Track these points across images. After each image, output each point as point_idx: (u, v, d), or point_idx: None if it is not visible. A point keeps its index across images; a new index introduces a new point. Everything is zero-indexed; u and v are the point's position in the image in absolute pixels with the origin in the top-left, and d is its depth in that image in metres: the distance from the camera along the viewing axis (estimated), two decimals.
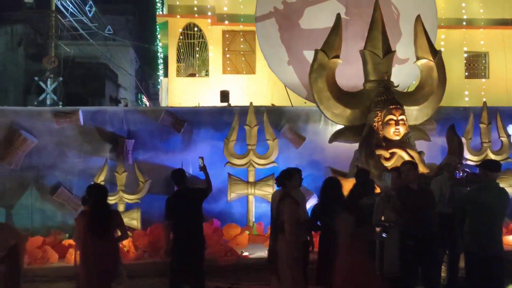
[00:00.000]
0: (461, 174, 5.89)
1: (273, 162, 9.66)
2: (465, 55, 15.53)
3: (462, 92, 15.04)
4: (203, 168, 6.16)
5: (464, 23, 15.23)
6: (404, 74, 11.16)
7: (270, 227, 6.05)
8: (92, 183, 7.53)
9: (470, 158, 10.02)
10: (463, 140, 9.70)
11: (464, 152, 8.85)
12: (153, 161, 9.89)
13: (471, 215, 5.27)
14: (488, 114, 10.25)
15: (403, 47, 11.24)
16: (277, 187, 5.85)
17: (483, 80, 15.46)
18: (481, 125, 10.25)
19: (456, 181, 5.80)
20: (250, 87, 14.50)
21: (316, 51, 9.08)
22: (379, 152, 8.45)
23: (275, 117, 10.34)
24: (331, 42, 9.10)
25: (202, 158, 6.17)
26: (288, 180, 5.43)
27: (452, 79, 14.86)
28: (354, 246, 4.60)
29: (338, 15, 9.27)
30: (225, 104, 11.54)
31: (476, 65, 15.81)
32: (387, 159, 8.49)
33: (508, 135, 10.29)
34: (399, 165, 5.51)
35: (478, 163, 9.82)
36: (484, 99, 10.50)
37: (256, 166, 9.57)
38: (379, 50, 9.19)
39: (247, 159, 9.53)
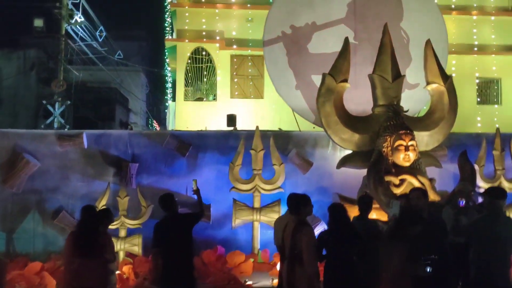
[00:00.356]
0: (464, 202, 5.64)
1: (279, 187, 9.44)
2: (477, 81, 15.32)
3: (474, 118, 14.80)
4: (196, 192, 6.00)
5: (476, 48, 15.09)
6: (414, 100, 10.94)
7: (279, 256, 5.79)
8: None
9: (483, 186, 9.69)
10: (476, 167, 9.41)
11: (476, 179, 8.56)
12: (157, 185, 9.73)
13: (477, 246, 5.03)
14: (502, 141, 9.97)
15: (413, 72, 11.07)
16: (284, 213, 5.65)
17: (496, 106, 15.22)
18: (494, 152, 9.98)
19: (460, 210, 5.54)
20: (258, 111, 14.40)
21: (324, 75, 8.95)
22: (388, 178, 8.21)
23: (282, 142, 10.19)
24: (339, 66, 8.97)
25: (195, 180, 6.03)
26: (304, 206, 5.25)
27: (464, 105, 14.68)
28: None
29: (346, 39, 9.16)
30: (231, 128, 11.40)
31: (488, 91, 15.59)
32: (397, 186, 8.23)
33: None
34: (409, 191, 5.26)
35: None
36: (497, 125, 10.24)
37: (262, 191, 9.35)
38: (388, 74, 9.04)
39: (252, 184, 9.33)
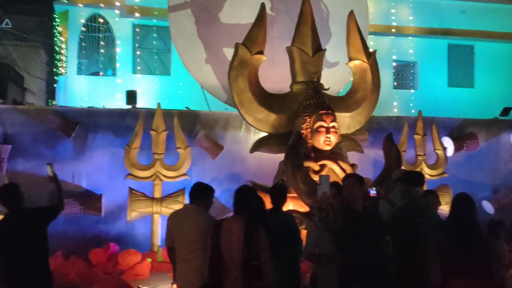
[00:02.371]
0: (375, 191, 4.84)
1: (184, 174, 8.33)
2: (394, 64, 15.07)
3: (391, 103, 14.53)
4: (52, 179, 4.73)
5: (394, 30, 14.79)
6: (334, 79, 10.26)
7: (171, 262, 4.64)
8: None
9: None
10: None
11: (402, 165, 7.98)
12: (36, 171, 8.25)
13: (396, 243, 4.31)
14: (424, 125, 9.55)
15: (333, 50, 10.36)
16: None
17: (412, 91, 15.07)
18: (416, 137, 9.56)
19: (371, 200, 4.78)
20: (164, 89, 13.07)
21: (237, 46, 7.94)
22: (307, 164, 7.39)
23: (188, 122, 9.11)
24: (254, 36, 8.00)
25: (50, 164, 4.73)
26: (253, 204, 4.17)
27: (381, 89, 14.38)
28: None
29: (263, 5, 8.21)
30: (130, 106, 10.03)
31: (404, 75, 15.42)
32: (316, 172, 7.43)
33: (444, 148, 9.65)
34: (342, 178, 4.34)
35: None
36: (420, 110, 9.82)
37: (164, 179, 8.18)
38: (308, 47, 8.22)
39: (152, 170, 8.12)
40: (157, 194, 8.11)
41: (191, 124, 9.14)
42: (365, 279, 3.84)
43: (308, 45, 8.21)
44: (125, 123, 8.72)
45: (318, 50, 8.30)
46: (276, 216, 4.95)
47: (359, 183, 4.12)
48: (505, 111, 12.14)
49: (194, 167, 8.91)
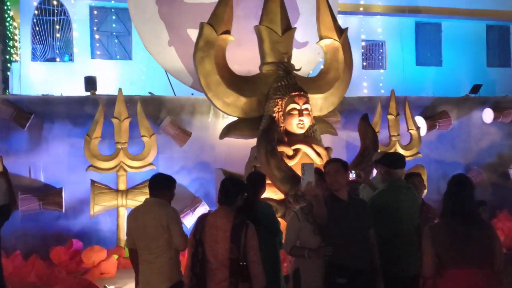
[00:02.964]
0: (355, 174, 4.55)
1: (150, 164, 7.88)
2: (363, 43, 14.86)
3: (360, 83, 14.34)
4: (1, 174, 4.28)
5: (361, 9, 14.53)
6: (304, 60, 9.90)
7: (132, 263, 4.24)
8: None
9: None
10: None
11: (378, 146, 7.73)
12: None
13: (380, 231, 4.02)
14: (397, 104, 9.34)
15: (302, 29, 9.97)
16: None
17: (381, 71, 14.92)
18: (389, 117, 9.35)
19: (350, 185, 4.50)
20: (125, 75, 12.49)
21: (202, 25, 7.47)
22: (281, 148, 7.04)
23: (153, 109, 8.65)
24: (220, 14, 7.54)
25: (0, 158, 4.27)
26: (240, 197, 3.84)
27: None
28: None
29: None
30: (89, 93, 9.44)
31: (373, 54, 15.23)
32: (290, 157, 7.10)
33: (418, 128, 9.48)
34: (325, 164, 4.00)
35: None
36: (393, 90, 9.59)
37: (129, 169, 7.71)
38: (277, 26, 7.82)
39: (116, 161, 7.64)
40: (122, 186, 7.65)
41: (155, 111, 8.68)
42: (354, 273, 3.53)
43: (277, 23, 7.82)
44: (84, 111, 8.18)
45: (288, 28, 7.91)
46: (254, 205, 4.63)
47: (345, 168, 3.79)
48: (475, 89, 12.10)
49: (161, 155, 8.51)
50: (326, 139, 8.53)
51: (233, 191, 3.84)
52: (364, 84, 14.47)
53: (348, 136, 9.57)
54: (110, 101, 7.94)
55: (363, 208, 3.85)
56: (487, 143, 10.88)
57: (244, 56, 8.89)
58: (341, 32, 8.26)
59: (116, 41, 12.65)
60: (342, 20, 13.91)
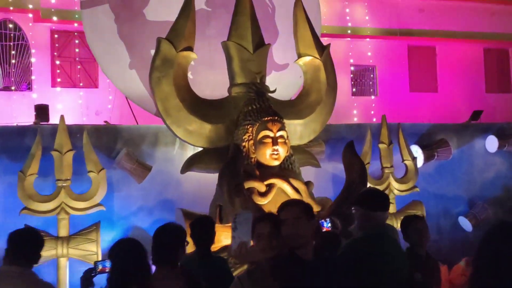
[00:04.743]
0: (329, 223, 3.49)
1: (98, 205, 6.74)
2: (352, 68, 13.99)
3: (350, 111, 13.42)
4: None
5: (350, 31, 13.72)
6: (284, 84, 8.97)
7: None
8: None
9: None
10: None
11: (367, 179, 6.67)
12: None
13: None
14: (389, 132, 8.34)
15: (281, 50, 9.13)
16: None
17: (372, 97, 14.01)
18: (381, 146, 8.34)
19: (323, 238, 3.41)
20: (90, 104, 11.48)
21: (159, 40, 6.56)
22: (251, 184, 6.02)
23: (107, 139, 7.62)
24: (180, 29, 6.61)
25: None
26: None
27: (338, 96, 13.25)
28: None
29: None
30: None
31: (363, 80, 14.34)
32: (263, 195, 6.04)
33: (414, 158, 8.45)
34: (279, 208, 2.91)
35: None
36: (384, 115, 8.61)
37: (72, 211, 6.59)
38: (248, 42, 6.91)
39: (56, 201, 6.53)
40: (63, 232, 6.50)
41: (111, 142, 7.63)
42: None
43: (248, 39, 6.90)
44: (24, 143, 7.10)
45: (261, 45, 6.97)
46: (204, 262, 3.61)
47: (308, 215, 2.69)
48: (475, 115, 11.19)
49: (116, 193, 7.47)
50: (308, 172, 7.50)
51: (169, 244, 2.95)
52: (354, 111, 13.55)
53: (335, 169, 8.53)
54: (52, 130, 6.88)
55: (337, 274, 2.71)
56: (491, 174, 9.88)
57: (217, 79, 7.97)
58: (323, 49, 7.35)
59: (79, 67, 11.69)
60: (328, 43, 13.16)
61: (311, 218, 2.72)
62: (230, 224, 5.43)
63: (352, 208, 3.53)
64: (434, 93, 14.63)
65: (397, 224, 7.81)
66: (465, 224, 9.11)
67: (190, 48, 6.65)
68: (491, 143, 9.67)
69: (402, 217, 7.32)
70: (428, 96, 14.49)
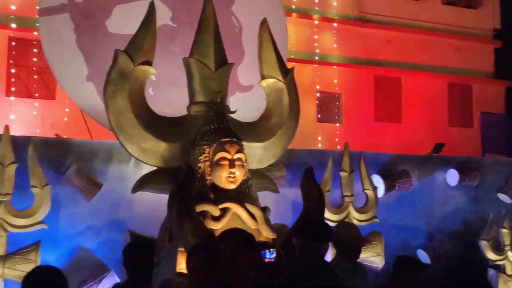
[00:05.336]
0: (273, 253, 3.27)
1: (40, 222, 6.33)
2: (318, 95, 13.97)
3: (315, 137, 13.34)
4: None
5: (317, 58, 13.74)
6: (249, 106, 8.79)
7: None
8: None
9: (329, 217, 7.81)
10: None
11: (325, 208, 6.50)
12: None
13: None
14: (351, 160, 8.22)
15: (246, 72, 8.97)
16: None
17: (337, 124, 13.99)
18: (342, 174, 8.20)
19: (267, 271, 3.17)
20: (46, 116, 11.03)
21: (116, 53, 6.28)
22: (204, 207, 5.75)
23: (57, 154, 7.25)
24: (139, 42, 6.37)
25: None
26: None
27: (304, 122, 13.17)
28: None
29: (152, 4, 6.60)
30: None
31: (329, 107, 14.34)
32: (216, 219, 5.76)
33: (374, 188, 8.34)
34: (218, 238, 2.65)
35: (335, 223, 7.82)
36: (346, 143, 8.52)
37: (10, 228, 6.17)
38: (210, 60, 6.69)
39: None
40: (0, 250, 6.04)
41: (60, 156, 7.25)
42: None
43: (210, 57, 6.69)
44: None
45: (223, 63, 6.77)
46: None
47: (248, 247, 2.44)
48: (437, 148, 11.27)
49: (63, 211, 7.08)
50: (268, 197, 7.28)
51: None
52: (319, 138, 13.48)
53: (295, 195, 8.26)
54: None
55: None
56: (451, 208, 9.87)
57: (179, 97, 7.68)
58: (287, 72, 7.20)
59: (36, 77, 11.26)
60: (295, 69, 13.12)
61: (252, 250, 2.48)
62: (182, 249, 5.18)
63: (293, 239, 3.31)
64: (398, 124, 14.74)
65: None
66: (424, 257, 9.01)
67: (149, 62, 6.40)
68: (452, 176, 9.68)
69: None
70: (392, 126, 14.59)
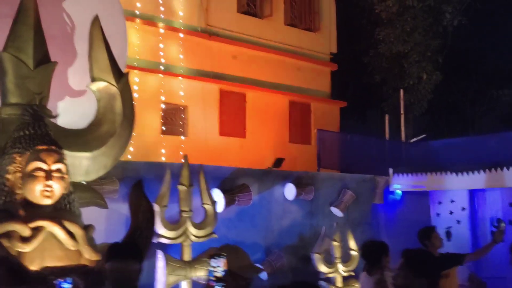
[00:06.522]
0: (70, 282, 2.87)
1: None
2: (163, 106, 13.41)
3: (158, 150, 12.72)
4: None
5: (163, 68, 13.19)
6: (81, 113, 7.89)
7: None
8: None
9: (165, 234, 7.28)
10: (156, 207, 7.05)
11: (156, 225, 5.94)
12: None
13: None
14: (190, 174, 7.79)
15: (80, 74, 8.02)
16: None
17: (182, 137, 13.54)
18: (180, 187, 7.71)
19: None
20: None
21: None
22: (10, 226, 4.84)
23: None
24: None
25: None
26: None
27: (146, 134, 12.52)
28: None
29: None
30: None
31: (174, 119, 13.85)
32: (25, 240, 4.88)
33: (214, 202, 7.99)
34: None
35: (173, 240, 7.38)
36: (186, 155, 8.06)
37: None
38: (28, 56, 5.81)
39: None
40: None
41: None
42: None
43: (28, 53, 5.80)
44: None
45: (44, 61, 5.91)
46: None
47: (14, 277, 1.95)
48: (277, 162, 11.42)
49: None
50: (98, 213, 6.56)
51: None
52: (163, 151, 12.89)
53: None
54: None
55: None
56: (288, 222, 9.97)
57: None
58: (121, 76, 6.53)
59: None
60: (140, 78, 12.45)
61: (21, 281, 1.90)
62: None
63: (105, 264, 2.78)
64: (242, 138, 14.77)
65: (189, 273, 7.25)
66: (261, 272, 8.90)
67: None
68: (290, 190, 9.80)
69: (197, 266, 6.85)
70: (237, 141, 14.56)
